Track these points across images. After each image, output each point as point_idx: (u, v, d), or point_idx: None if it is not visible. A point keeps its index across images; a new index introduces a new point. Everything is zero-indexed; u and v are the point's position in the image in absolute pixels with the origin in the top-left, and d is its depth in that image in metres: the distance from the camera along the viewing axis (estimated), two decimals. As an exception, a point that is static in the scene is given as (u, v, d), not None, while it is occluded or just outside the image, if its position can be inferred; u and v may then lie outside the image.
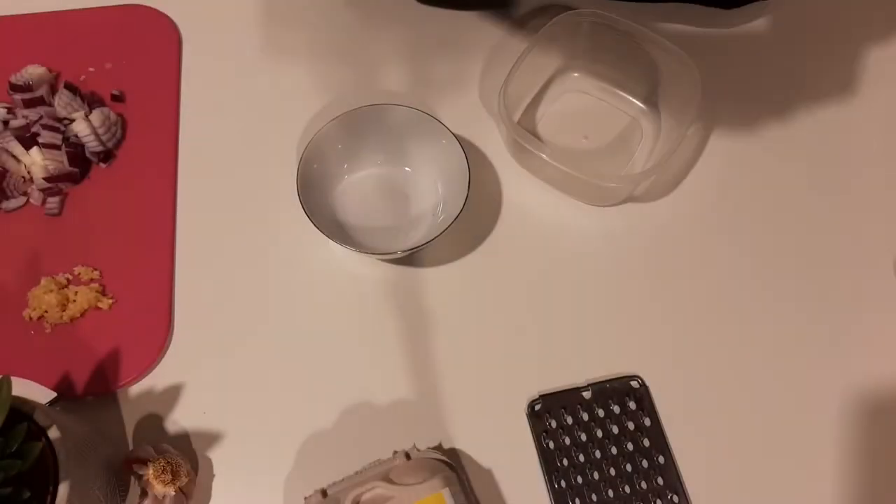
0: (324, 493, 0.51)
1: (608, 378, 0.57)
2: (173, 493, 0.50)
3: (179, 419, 0.56)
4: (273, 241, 0.63)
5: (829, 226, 0.64)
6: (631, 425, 0.56)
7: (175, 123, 0.68)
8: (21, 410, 0.46)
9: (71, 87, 0.66)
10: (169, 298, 0.60)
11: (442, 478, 0.50)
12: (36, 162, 0.63)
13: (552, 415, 0.56)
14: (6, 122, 0.64)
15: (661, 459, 0.55)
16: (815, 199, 0.65)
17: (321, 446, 0.56)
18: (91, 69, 0.70)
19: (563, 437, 0.56)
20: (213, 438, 0.56)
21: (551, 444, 0.55)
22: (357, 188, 0.64)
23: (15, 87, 0.66)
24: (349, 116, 0.61)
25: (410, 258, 0.62)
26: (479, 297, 0.61)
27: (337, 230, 0.61)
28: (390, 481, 0.49)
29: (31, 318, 0.59)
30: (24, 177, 0.64)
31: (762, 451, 0.56)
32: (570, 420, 0.56)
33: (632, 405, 0.56)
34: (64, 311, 0.59)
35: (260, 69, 0.71)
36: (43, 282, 0.59)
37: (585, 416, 0.56)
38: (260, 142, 0.67)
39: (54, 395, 0.55)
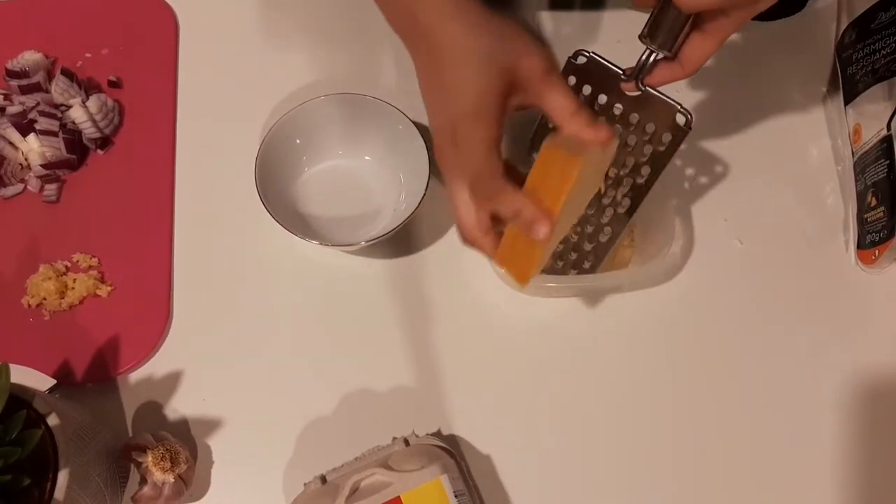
0: (323, 479, 0.51)
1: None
2: (172, 479, 0.50)
3: (179, 406, 0.57)
4: (272, 228, 0.62)
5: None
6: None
7: (173, 109, 0.67)
8: (20, 398, 0.46)
9: (68, 74, 0.65)
10: (168, 285, 0.60)
11: (440, 464, 0.50)
12: (33, 149, 0.63)
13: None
14: (3, 109, 0.64)
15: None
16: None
17: (320, 433, 0.56)
18: (88, 55, 0.69)
19: None
20: (212, 425, 0.56)
21: None
22: (318, 180, 0.63)
23: (11, 74, 0.65)
24: (301, 110, 0.61)
25: (406, 244, 0.61)
26: (478, 283, 0.61)
27: (301, 223, 0.61)
28: (389, 468, 0.50)
29: (29, 306, 0.59)
30: (21, 164, 0.64)
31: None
32: None
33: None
34: (63, 298, 0.59)
35: (258, 55, 0.70)
36: (41, 269, 0.59)
37: None
38: (257, 128, 0.66)
39: (53, 382, 0.55)
